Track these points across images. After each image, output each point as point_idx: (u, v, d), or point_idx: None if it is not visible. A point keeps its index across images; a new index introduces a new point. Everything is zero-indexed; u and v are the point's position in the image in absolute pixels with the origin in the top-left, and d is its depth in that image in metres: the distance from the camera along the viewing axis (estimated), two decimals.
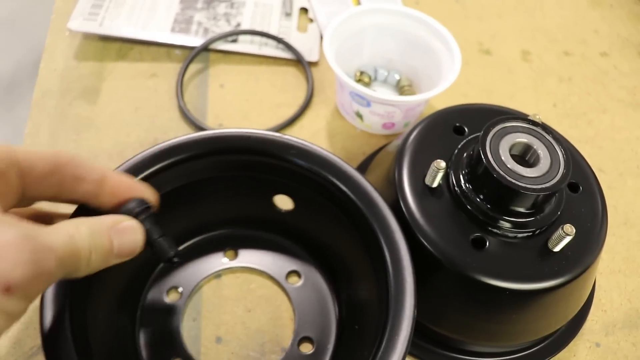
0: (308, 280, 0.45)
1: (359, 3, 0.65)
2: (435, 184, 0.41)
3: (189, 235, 0.46)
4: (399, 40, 0.56)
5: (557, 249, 0.39)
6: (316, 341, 0.42)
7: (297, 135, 0.54)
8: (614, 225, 0.53)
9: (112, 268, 0.30)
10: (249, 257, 0.46)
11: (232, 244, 0.46)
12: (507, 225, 0.40)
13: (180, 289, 0.43)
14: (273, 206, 0.45)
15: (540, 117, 0.43)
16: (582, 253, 0.40)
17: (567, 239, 0.38)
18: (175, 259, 0.32)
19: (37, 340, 0.40)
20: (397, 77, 0.58)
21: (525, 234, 0.40)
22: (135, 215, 0.31)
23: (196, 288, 0.44)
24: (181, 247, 0.45)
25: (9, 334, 0.41)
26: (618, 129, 0.60)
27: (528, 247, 0.40)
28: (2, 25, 1.51)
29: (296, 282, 0.45)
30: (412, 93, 0.56)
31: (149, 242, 0.32)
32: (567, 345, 0.46)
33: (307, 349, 0.42)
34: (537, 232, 0.40)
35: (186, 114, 0.54)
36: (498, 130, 0.40)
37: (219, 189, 0.42)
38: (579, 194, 0.43)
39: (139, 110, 0.54)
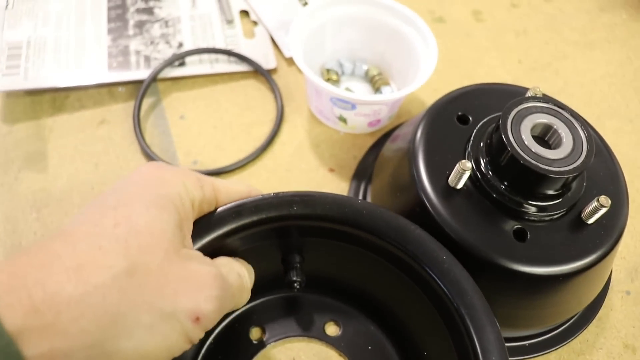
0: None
1: None
2: (460, 185, 0.38)
3: None
4: (360, 29, 0.52)
5: (591, 221, 0.39)
6: None
7: (280, 153, 0.51)
8: None
9: None
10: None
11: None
12: (542, 210, 0.38)
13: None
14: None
15: (540, 90, 0.41)
16: (615, 218, 0.40)
17: (603, 211, 0.37)
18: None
19: None
20: (364, 67, 0.54)
21: (560, 214, 0.39)
22: None
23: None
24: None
25: None
26: (582, 73, 0.60)
27: (564, 225, 0.39)
28: None
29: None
30: (385, 81, 0.53)
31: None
32: (603, 303, 0.46)
33: None
34: (570, 208, 0.39)
35: (154, 158, 0.48)
36: (515, 115, 0.38)
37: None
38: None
39: (99, 166, 0.48)
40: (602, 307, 0.46)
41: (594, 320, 0.46)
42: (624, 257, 0.50)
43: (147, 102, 0.52)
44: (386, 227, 0.35)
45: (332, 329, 0.40)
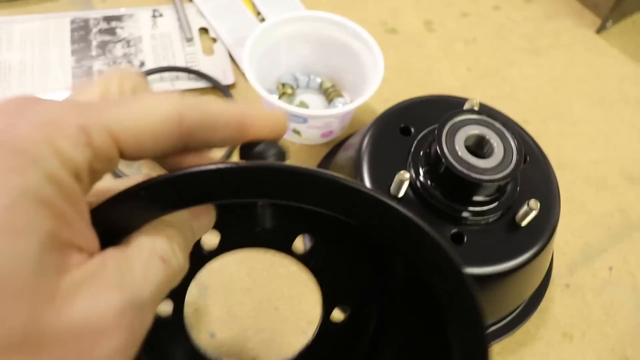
0: None
1: (256, 11, 0.63)
2: (401, 194, 0.41)
3: None
4: (313, 44, 0.55)
5: (524, 223, 0.42)
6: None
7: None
8: None
9: None
10: None
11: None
12: (478, 214, 0.41)
13: None
14: None
15: (477, 101, 0.45)
16: (546, 219, 0.43)
17: (534, 213, 0.41)
18: None
19: None
20: (318, 80, 0.57)
21: (495, 217, 0.42)
22: None
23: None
24: None
25: None
26: (529, 78, 0.63)
27: (499, 227, 0.42)
28: None
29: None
30: (338, 93, 0.56)
31: None
32: (544, 296, 0.50)
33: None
34: (505, 211, 0.42)
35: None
36: (450, 127, 0.41)
37: None
38: (527, 163, 0.46)
39: None
40: (544, 300, 0.50)
41: (536, 313, 0.49)
42: (565, 253, 0.53)
43: None
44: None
45: (301, 244, 0.33)
